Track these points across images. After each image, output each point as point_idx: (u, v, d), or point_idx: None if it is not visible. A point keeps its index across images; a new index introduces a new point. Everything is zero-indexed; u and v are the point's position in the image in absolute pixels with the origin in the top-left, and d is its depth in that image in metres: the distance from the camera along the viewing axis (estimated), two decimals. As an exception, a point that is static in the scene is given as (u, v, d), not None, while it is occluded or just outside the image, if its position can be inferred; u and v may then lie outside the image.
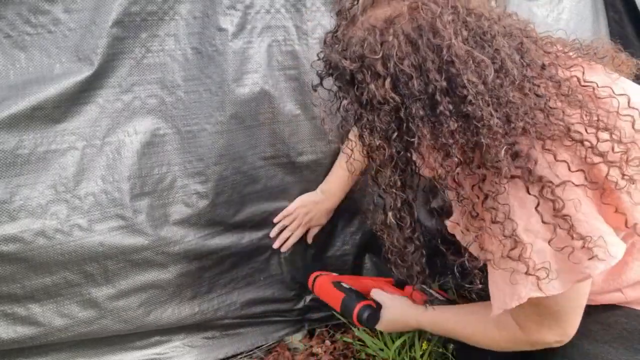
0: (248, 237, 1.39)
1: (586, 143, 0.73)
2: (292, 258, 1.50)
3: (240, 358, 1.50)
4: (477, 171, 0.75)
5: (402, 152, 0.76)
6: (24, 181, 1.08)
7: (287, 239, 1.40)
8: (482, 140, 0.71)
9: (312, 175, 1.44)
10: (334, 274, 1.41)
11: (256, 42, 1.24)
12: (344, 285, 1.28)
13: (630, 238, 0.85)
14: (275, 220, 1.38)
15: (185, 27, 1.16)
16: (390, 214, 0.83)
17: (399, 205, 0.81)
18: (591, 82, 0.79)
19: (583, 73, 0.80)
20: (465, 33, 0.71)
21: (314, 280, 1.38)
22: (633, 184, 0.75)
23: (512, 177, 0.74)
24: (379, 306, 1.20)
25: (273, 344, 1.55)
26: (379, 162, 0.79)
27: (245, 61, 1.23)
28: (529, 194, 0.74)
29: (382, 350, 1.42)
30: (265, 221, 1.40)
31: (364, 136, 0.77)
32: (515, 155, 0.73)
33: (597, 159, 0.74)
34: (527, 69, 0.74)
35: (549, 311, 0.85)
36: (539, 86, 0.74)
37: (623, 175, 0.74)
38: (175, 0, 1.14)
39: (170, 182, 1.22)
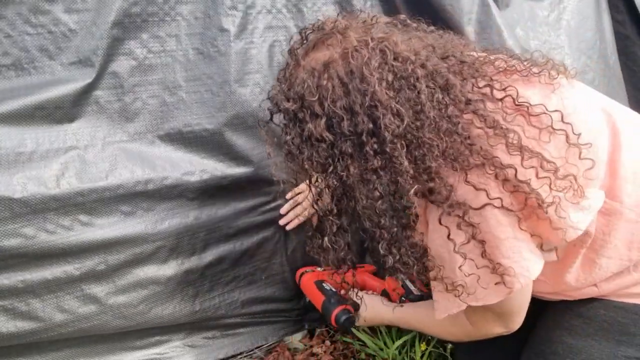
0: (252, 235, 1.39)
1: (509, 171, 0.78)
2: (293, 257, 1.50)
3: (240, 358, 1.51)
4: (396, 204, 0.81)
5: (337, 184, 0.82)
6: (26, 178, 1.08)
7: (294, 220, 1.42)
8: (399, 179, 0.77)
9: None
10: (319, 269, 1.43)
11: (258, 42, 1.25)
12: (325, 286, 1.34)
13: (581, 247, 0.90)
14: (287, 196, 1.39)
15: (187, 27, 1.16)
16: (326, 238, 0.88)
17: (334, 230, 0.87)
18: (524, 101, 0.83)
19: (517, 93, 0.83)
20: (390, 77, 0.76)
21: (300, 277, 1.43)
22: (559, 200, 0.79)
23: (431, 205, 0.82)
24: (357, 306, 1.26)
25: (273, 344, 1.55)
26: (318, 190, 0.87)
27: (247, 62, 1.24)
28: (441, 224, 0.81)
29: (382, 350, 1.42)
30: (267, 220, 1.41)
31: (306, 167, 0.83)
32: (430, 192, 0.80)
33: (519, 184, 0.78)
34: (448, 108, 0.79)
35: (494, 313, 0.92)
36: (458, 124, 0.79)
37: (548, 193, 0.79)
38: (177, 1, 1.14)
39: (172, 181, 1.23)
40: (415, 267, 0.84)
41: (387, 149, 0.76)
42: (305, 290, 1.40)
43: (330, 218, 0.86)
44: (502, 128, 0.79)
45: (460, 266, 0.82)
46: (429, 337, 1.41)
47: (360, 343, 1.49)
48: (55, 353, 1.27)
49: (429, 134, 0.76)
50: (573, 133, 0.82)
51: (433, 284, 0.92)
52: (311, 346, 1.54)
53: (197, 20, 1.17)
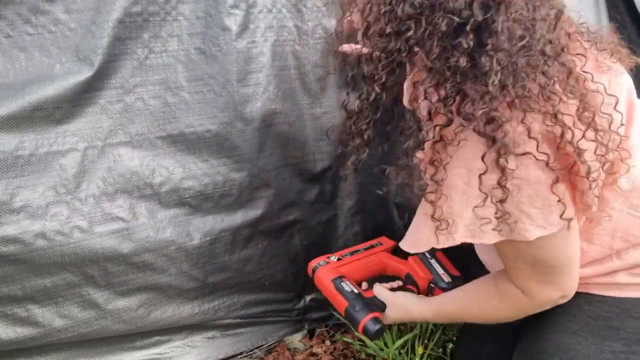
0: (258, 242, 1.38)
1: (567, 133, 0.74)
2: (294, 257, 1.50)
3: (240, 358, 1.50)
4: (449, 115, 0.75)
5: (402, 53, 0.74)
6: (25, 182, 1.06)
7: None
8: (472, 91, 0.72)
9: (320, 178, 1.43)
10: (333, 258, 1.35)
11: (260, 41, 1.23)
12: (345, 287, 1.23)
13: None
14: None
15: (188, 27, 1.14)
16: (358, 101, 0.84)
17: (370, 98, 0.82)
18: (587, 72, 0.80)
19: (585, 63, 0.80)
20: None
21: (314, 272, 1.32)
22: (601, 179, 0.78)
23: (480, 134, 0.74)
24: (383, 307, 1.18)
25: (273, 344, 1.55)
26: (376, 49, 0.78)
27: (249, 61, 1.22)
28: (483, 160, 0.75)
29: (382, 350, 1.42)
30: (269, 223, 1.40)
31: (379, 18, 0.75)
32: (490, 120, 0.73)
33: (575, 150, 0.75)
34: (548, 46, 0.74)
35: (545, 266, 0.86)
36: (550, 66, 0.74)
37: (597, 169, 0.77)
38: (178, 1, 1.12)
39: (173, 185, 1.21)
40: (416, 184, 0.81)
41: (482, 57, 0.70)
42: (322, 289, 1.29)
43: (373, 84, 0.80)
44: (582, 91, 0.76)
45: (476, 206, 0.78)
46: (427, 341, 1.42)
47: (360, 343, 1.50)
48: (56, 353, 1.25)
49: (522, 59, 0.71)
50: (616, 122, 0.80)
51: (424, 207, 0.86)
52: (311, 346, 1.54)
53: (199, 19, 1.14)
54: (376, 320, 1.13)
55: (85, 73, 1.06)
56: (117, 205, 1.15)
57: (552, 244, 0.82)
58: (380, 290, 1.19)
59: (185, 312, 1.34)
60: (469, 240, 0.83)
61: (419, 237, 0.88)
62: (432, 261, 1.27)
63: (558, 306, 1.00)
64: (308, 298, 1.57)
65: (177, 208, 1.22)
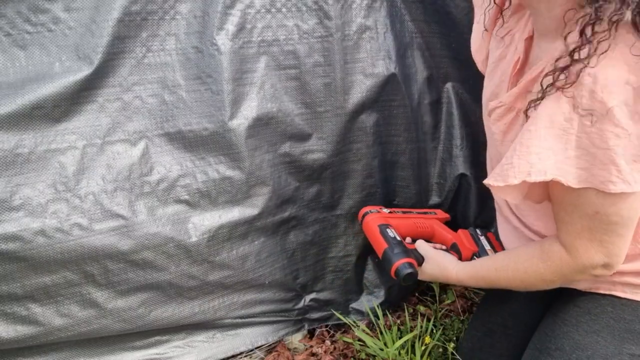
0: (254, 239, 1.39)
1: None
2: (295, 258, 1.50)
3: (240, 358, 1.50)
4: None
5: None
6: (24, 180, 1.07)
7: None
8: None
9: (317, 176, 1.44)
10: (385, 210, 1.36)
11: (256, 41, 1.24)
12: (390, 232, 1.24)
13: None
14: None
15: (186, 26, 1.15)
16: None
17: None
18: None
19: None
20: None
21: (363, 217, 1.34)
22: None
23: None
24: (421, 260, 1.18)
25: (273, 344, 1.54)
26: None
27: (246, 60, 1.23)
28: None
29: (382, 350, 1.42)
30: (267, 221, 1.40)
31: None
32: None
33: None
34: None
35: (603, 222, 0.85)
36: None
37: None
38: (176, 0, 1.13)
39: (171, 182, 1.22)
40: None
41: None
42: (367, 232, 1.31)
43: None
44: None
45: (570, 146, 0.80)
46: (425, 345, 1.41)
47: (361, 343, 1.49)
48: (56, 353, 1.26)
49: None
50: None
51: (522, 137, 0.86)
52: (311, 346, 1.53)
53: (197, 18, 1.16)
54: (410, 265, 1.13)
55: (85, 71, 1.07)
56: (117, 202, 1.16)
57: (625, 201, 0.81)
58: (422, 245, 1.21)
59: (186, 312, 1.35)
60: (556, 177, 0.82)
61: (510, 169, 0.85)
62: (482, 238, 1.27)
63: (579, 307, 0.99)
64: (308, 298, 1.57)
65: (175, 205, 1.23)
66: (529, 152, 0.82)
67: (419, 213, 1.43)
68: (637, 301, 0.97)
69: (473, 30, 1.22)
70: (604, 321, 0.96)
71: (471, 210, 1.61)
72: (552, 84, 0.80)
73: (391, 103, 1.49)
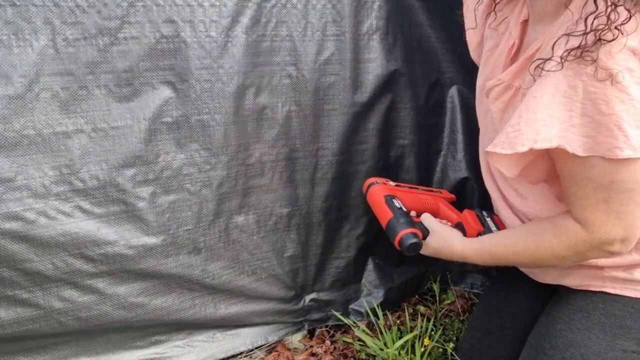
0: (251, 230, 1.38)
1: None
2: (295, 258, 1.49)
3: (240, 358, 1.48)
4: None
5: None
6: (29, 161, 1.07)
7: None
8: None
9: (322, 175, 1.44)
10: (391, 183, 1.32)
11: (270, 35, 1.25)
12: (395, 203, 1.20)
13: None
14: None
15: (202, 14, 1.16)
16: None
17: None
18: None
19: None
20: None
21: (368, 188, 1.30)
22: None
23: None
24: (426, 232, 1.15)
25: (273, 344, 1.53)
26: None
27: (258, 54, 1.24)
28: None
29: (382, 350, 1.40)
30: (267, 216, 1.40)
31: None
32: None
33: None
34: None
35: (619, 192, 0.82)
36: None
37: None
38: (191, -11, 1.14)
39: (175, 170, 1.22)
40: None
41: None
42: (372, 202, 1.26)
43: None
44: None
45: (575, 113, 0.79)
46: (424, 347, 1.40)
47: (361, 343, 1.48)
48: (56, 352, 1.24)
49: None
50: None
51: (528, 103, 0.85)
52: (311, 346, 1.52)
53: (213, 7, 1.17)
54: (415, 235, 1.10)
55: (92, 53, 1.07)
56: (119, 188, 1.16)
57: (636, 165, 0.79)
58: (428, 218, 1.18)
59: (186, 303, 1.33)
60: (562, 144, 0.81)
61: (518, 136, 0.83)
62: (488, 219, 1.23)
63: (572, 304, 0.99)
64: (308, 298, 1.56)
65: (177, 193, 1.23)
66: (535, 119, 0.81)
67: (424, 190, 1.40)
68: (627, 297, 0.96)
69: (467, 34, 1.24)
70: (595, 318, 0.95)
71: (474, 214, 1.61)
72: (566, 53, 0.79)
73: (397, 105, 1.50)
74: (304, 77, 1.33)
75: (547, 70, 0.81)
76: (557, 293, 1.10)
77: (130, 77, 1.13)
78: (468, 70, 1.49)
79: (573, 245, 0.89)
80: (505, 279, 1.29)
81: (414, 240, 1.09)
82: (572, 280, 1.04)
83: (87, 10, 1.05)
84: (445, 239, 1.12)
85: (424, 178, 1.62)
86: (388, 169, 1.55)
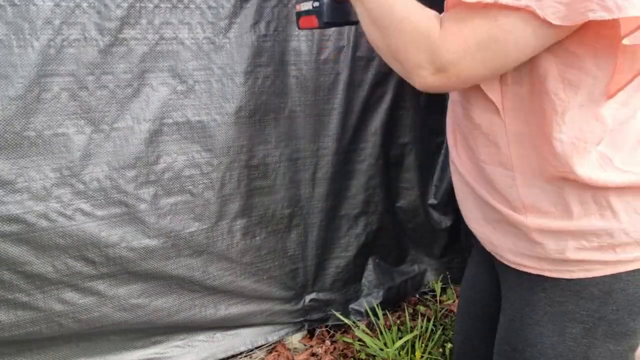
0: (255, 234, 1.38)
1: None
2: (295, 258, 1.49)
3: (240, 358, 1.48)
4: None
5: None
6: (30, 163, 1.06)
7: None
8: None
9: (322, 175, 1.44)
10: None
11: (271, 36, 1.25)
12: None
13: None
14: None
15: (200, 16, 1.16)
16: None
17: None
18: None
19: None
20: None
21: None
22: None
23: None
24: None
25: (273, 344, 1.53)
26: None
27: (258, 55, 1.24)
28: None
29: (382, 350, 1.41)
30: (269, 217, 1.40)
31: None
32: None
33: None
34: None
35: (487, 27, 0.71)
36: None
37: None
38: (191, -10, 1.14)
39: (176, 172, 1.21)
40: None
41: None
42: None
43: None
44: None
45: None
46: (427, 341, 1.40)
47: (361, 343, 1.48)
48: (55, 352, 1.24)
49: None
50: None
51: None
52: (311, 346, 1.52)
53: (210, 9, 1.17)
54: None
55: (93, 54, 1.07)
56: (120, 190, 1.15)
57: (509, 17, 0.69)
58: None
59: (186, 304, 1.33)
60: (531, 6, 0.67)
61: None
62: None
63: (520, 296, 0.96)
64: (308, 298, 1.56)
65: (178, 195, 1.23)
66: None
67: None
68: (561, 279, 0.94)
69: None
70: (541, 309, 0.93)
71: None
72: None
73: (398, 104, 1.50)
74: (309, 76, 1.33)
75: None
76: (503, 282, 1.06)
77: (130, 78, 1.13)
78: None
79: (423, 28, 0.76)
80: (468, 279, 1.28)
81: None
82: (506, 252, 1.00)
83: (87, 10, 1.05)
84: None
85: (424, 177, 1.62)
86: (388, 168, 1.55)
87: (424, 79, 0.77)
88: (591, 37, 0.73)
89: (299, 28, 1.02)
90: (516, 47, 0.71)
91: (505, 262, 1.01)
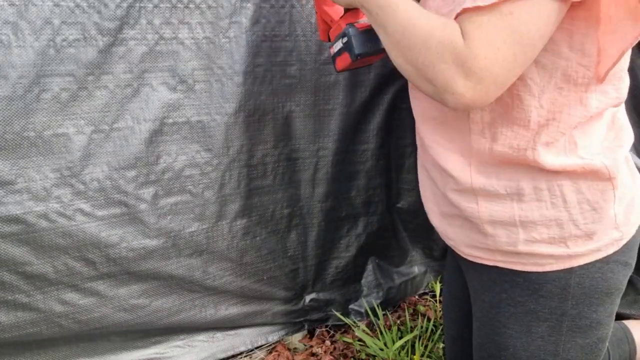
0: (255, 234, 1.38)
1: None
2: (295, 259, 1.49)
3: (240, 358, 1.48)
4: None
5: None
6: (30, 164, 1.06)
7: None
8: None
9: (322, 176, 1.44)
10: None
11: (269, 36, 1.25)
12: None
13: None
14: None
15: (200, 15, 1.16)
16: None
17: None
18: None
19: None
20: None
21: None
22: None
23: None
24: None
25: (273, 344, 1.53)
26: None
27: (258, 55, 1.24)
28: None
29: (382, 350, 1.41)
30: (269, 217, 1.40)
31: None
32: None
33: None
34: None
35: (506, 24, 0.69)
36: None
37: None
38: (191, -10, 1.14)
39: (176, 172, 1.21)
40: None
41: None
42: None
43: None
44: None
45: None
46: (427, 342, 1.40)
47: (361, 343, 1.48)
48: (55, 353, 1.24)
49: None
50: None
51: None
52: (311, 346, 1.52)
53: (210, 9, 1.17)
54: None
55: (92, 54, 1.07)
56: (120, 190, 1.15)
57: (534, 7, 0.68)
58: None
59: (186, 304, 1.33)
60: None
61: None
62: None
63: (482, 299, 0.96)
64: (308, 298, 1.56)
65: (178, 195, 1.23)
66: None
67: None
68: (521, 277, 0.91)
69: None
70: (506, 310, 0.93)
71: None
72: None
73: (399, 106, 1.50)
74: (308, 77, 1.33)
75: None
76: (469, 282, 1.04)
77: (130, 78, 1.12)
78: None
79: (443, 47, 0.73)
80: (445, 284, 1.28)
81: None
82: (462, 245, 0.99)
83: (87, 10, 1.05)
84: None
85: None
86: (389, 169, 1.55)
87: (461, 97, 0.73)
88: (567, 20, 0.73)
89: (337, 71, 1.01)
90: (539, 33, 0.69)
91: (463, 256, 1.01)
